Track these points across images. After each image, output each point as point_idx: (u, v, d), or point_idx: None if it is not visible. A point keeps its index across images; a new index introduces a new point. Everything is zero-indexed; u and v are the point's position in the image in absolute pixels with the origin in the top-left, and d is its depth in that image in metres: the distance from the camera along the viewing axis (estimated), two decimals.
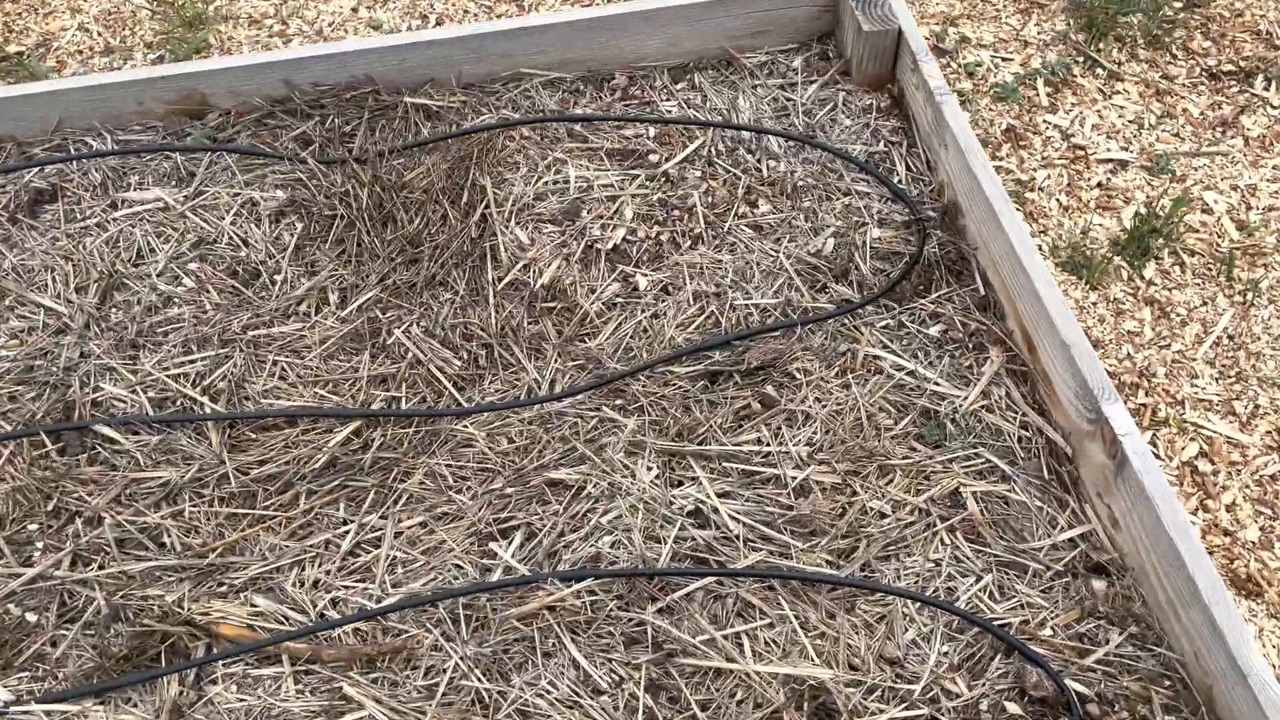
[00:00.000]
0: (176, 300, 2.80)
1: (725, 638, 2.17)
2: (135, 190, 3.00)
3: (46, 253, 2.89)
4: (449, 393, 2.70)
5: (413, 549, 2.42)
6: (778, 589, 2.25)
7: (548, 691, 2.15)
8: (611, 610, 2.22)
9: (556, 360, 2.74)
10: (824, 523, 2.33)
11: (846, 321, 2.69)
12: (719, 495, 2.38)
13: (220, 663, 2.26)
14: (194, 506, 2.48)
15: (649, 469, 2.44)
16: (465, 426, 2.62)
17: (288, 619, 2.32)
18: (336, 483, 2.54)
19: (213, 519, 2.46)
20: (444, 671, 2.19)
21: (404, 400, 2.68)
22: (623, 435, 2.50)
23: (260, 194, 2.95)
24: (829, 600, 2.25)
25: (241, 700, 2.21)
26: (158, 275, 2.85)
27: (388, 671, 2.22)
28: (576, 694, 2.14)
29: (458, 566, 2.37)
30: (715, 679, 2.14)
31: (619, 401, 2.61)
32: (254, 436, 2.60)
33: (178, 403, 2.64)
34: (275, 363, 2.72)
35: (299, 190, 2.93)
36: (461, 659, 2.19)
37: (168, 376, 2.66)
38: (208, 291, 2.81)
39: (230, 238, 2.90)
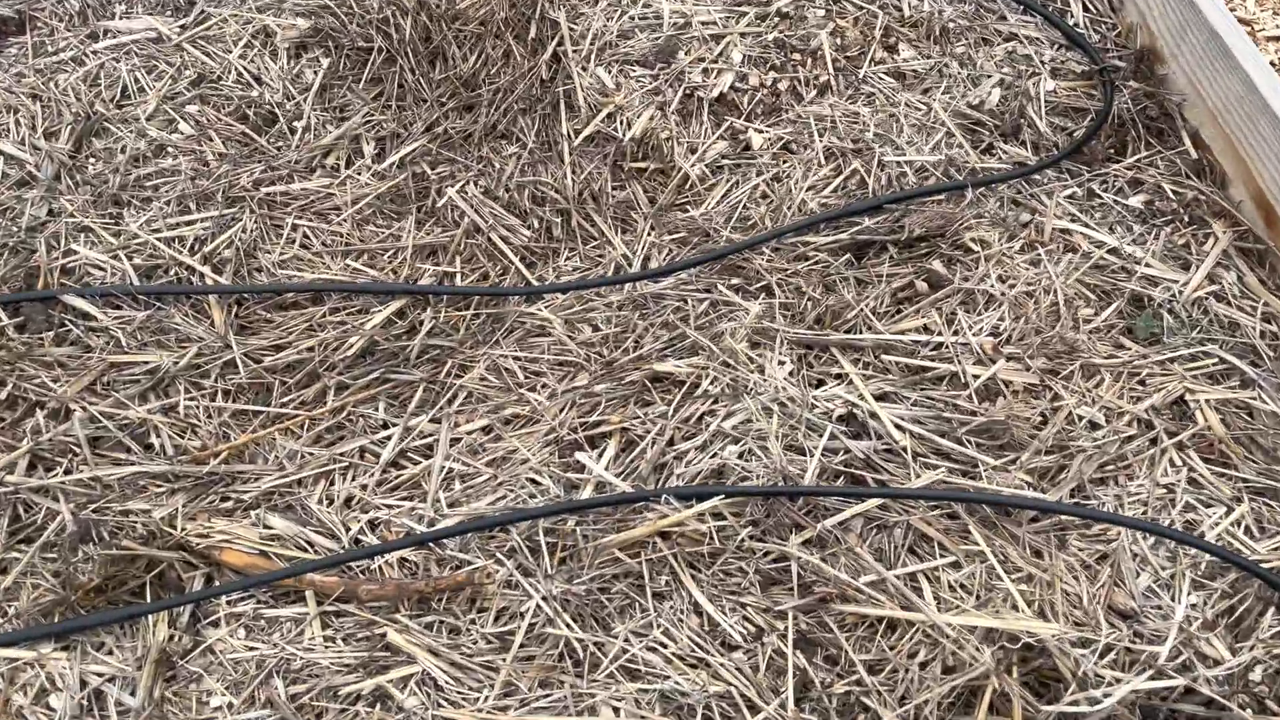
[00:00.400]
0: (171, 149, 2.25)
1: (898, 579, 1.63)
2: (121, 19, 2.43)
3: (10, 91, 2.32)
4: (516, 269, 2.14)
5: (475, 459, 1.88)
6: (963, 517, 1.70)
7: (661, 644, 1.62)
8: (744, 540, 1.68)
9: (650, 233, 2.19)
10: (1020, 433, 1.78)
11: (1023, 187, 2.13)
12: (877, 397, 1.83)
13: (224, 599, 1.74)
14: (191, 400, 1.94)
15: (781, 363, 1.88)
16: (539, 310, 2.07)
17: (312, 545, 1.80)
18: (375, 375, 2.00)
19: (215, 416, 1.93)
20: (521, 616, 1.67)
21: (459, 277, 2.12)
22: (745, 321, 1.94)
23: (276, 21, 2.38)
24: (1031, 533, 1.70)
25: (252, 648, 1.69)
26: (147, 119, 2.29)
27: (446, 614, 1.70)
28: (701, 647, 1.60)
29: (534, 482, 1.83)
30: (887, 633, 1.61)
31: (736, 280, 2.06)
32: (268, 316, 2.06)
33: (171, 272, 2.09)
34: (295, 227, 2.17)
35: (324, 18, 2.36)
36: (545, 599, 1.66)
37: (159, 240, 2.11)
38: (210, 139, 2.26)
39: (239, 74, 2.34)
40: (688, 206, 2.22)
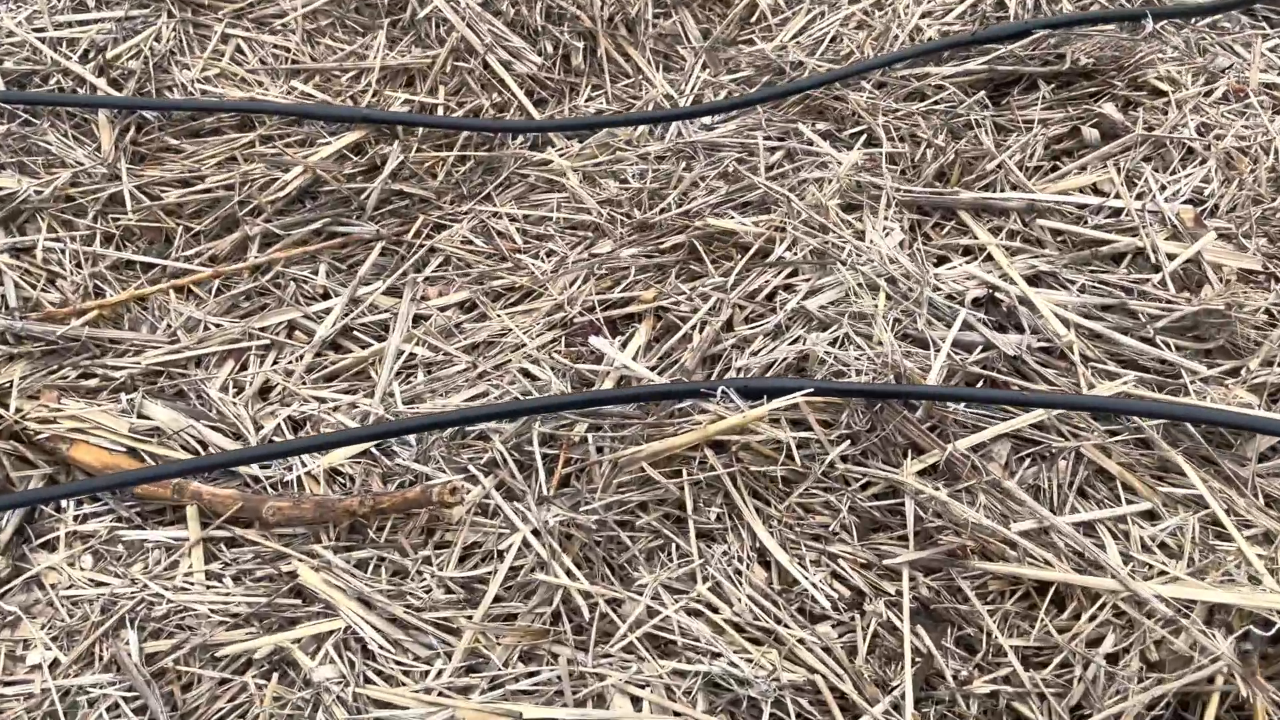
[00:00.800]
0: None
1: (1069, 530, 1.08)
2: None
3: None
4: (519, 104, 1.60)
5: (446, 343, 1.34)
6: (1160, 448, 1.15)
7: (710, 607, 1.07)
8: (835, 463, 1.13)
9: (702, 69, 1.64)
10: (1241, 333, 1.23)
11: (1209, 34, 1.58)
12: (1028, 279, 1.28)
13: (66, 507, 1.20)
14: (55, 241, 1.40)
15: (886, 231, 1.34)
16: (548, 156, 1.53)
17: (206, 444, 1.25)
18: (315, 227, 1.46)
19: (87, 265, 1.38)
20: (499, 556, 1.12)
21: (443, 109, 1.58)
22: (837, 172, 1.40)
23: None
24: (1264, 474, 1.15)
25: (99, 584, 1.15)
26: None
27: (388, 548, 1.15)
28: (768, 614, 1.06)
29: (528, 375, 1.29)
30: (1051, 608, 1.06)
31: (824, 125, 1.51)
32: (177, 144, 1.51)
33: (52, 80, 1.54)
34: (226, 37, 1.62)
35: None
36: (536, 533, 1.12)
37: (40, 41, 1.56)
38: None
39: None
40: (754, 40, 1.67)
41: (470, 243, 1.48)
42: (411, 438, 1.25)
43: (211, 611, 1.13)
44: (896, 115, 1.48)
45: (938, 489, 1.14)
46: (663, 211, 1.43)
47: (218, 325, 1.39)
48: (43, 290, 1.36)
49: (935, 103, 1.49)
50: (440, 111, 1.58)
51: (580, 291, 1.37)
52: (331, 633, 1.09)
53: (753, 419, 1.12)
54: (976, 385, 1.23)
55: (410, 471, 1.22)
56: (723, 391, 1.15)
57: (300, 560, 1.15)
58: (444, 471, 1.21)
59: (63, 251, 1.40)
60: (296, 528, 1.19)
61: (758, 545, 1.13)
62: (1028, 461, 1.19)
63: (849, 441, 1.17)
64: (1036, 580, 1.09)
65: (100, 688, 1.09)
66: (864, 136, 1.48)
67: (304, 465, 1.24)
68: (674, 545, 1.13)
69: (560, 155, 1.57)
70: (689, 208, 1.42)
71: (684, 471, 1.15)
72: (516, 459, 1.21)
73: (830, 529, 1.14)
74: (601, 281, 1.39)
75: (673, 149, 1.55)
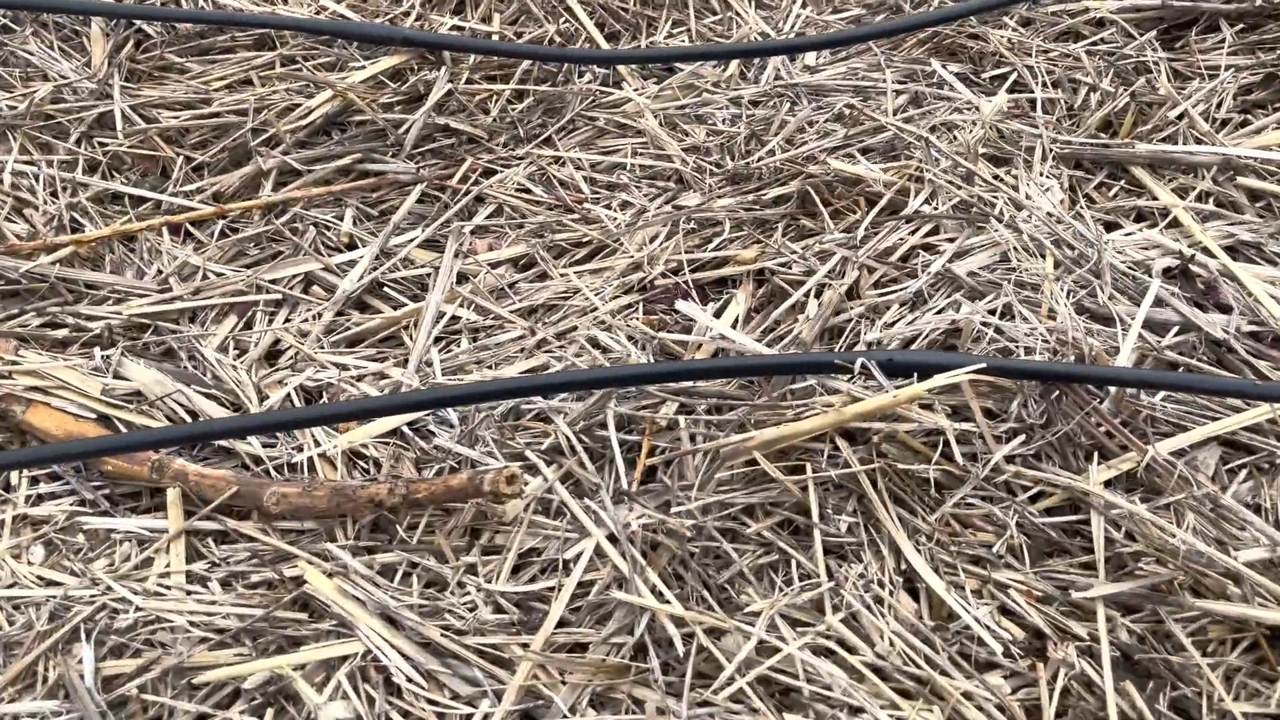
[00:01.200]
0: None
1: None
2: None
3: None
4: (588, 37, 1.37)
5: (498, 305, 1.10)
6: None
7: (843, 645, 0.82)
8: (1000, 465, 0.88)
9: (802, 6, 1.41)
10: None
11: None
12: (1226, 249, 1.04)
13: (17, 484, 0.96)
14: (28, 164, 1.16)
15: (1044, 187, 1.09)
16: (624, 93, 1.30)
17: (197, 415, 1.01)
18: (341, 163, 1.22)
19: (66, 194, 1.15)
20: (566, 567, 0.87)
21: (498, 40, 1.35)
22: (982, 117, 1.15)
23: None
24: None
25: (50, 585, 0.91)
26: None
27: (420, 551, 0.90)
28: (916, 658, 0.81)
29: (597, 346, 1.05)
30: None
31: (955, 66, 1.27)
32: (179, 61, 1.28)
33: None
34: None
35: None
36: (613, 539, 0.87)
37: None
38: None
39: None
40: None
41: (528, 191, 1.24)
42: (454, 414, 1.01)
43: (192, 625, 0.88)
44: (1049, 56, 1.24)
45: (1134, 502, 0.89)
46: (762, 159, 1.19)
47: (219, 274, 1.15)
48: (7, 219, 1.13)
49: (1094, 42, 1.24)
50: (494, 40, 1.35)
51: (663, 249, 1.13)
52: (346, 659, 0.85)
53: (904, 400, 0.88)
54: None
55: (452, 455, 0.97)
56: (863, 365, 0.90)
57: (309, 563, 0.90)
58: (495, 458, 0.96)
59: (35, 177, 1.16)
60: (305, 521, 0.94)
61: (904, 567, 0.87)
62: (1242, 474, 0.94)
63: (1020, 438, 0.91)
64: (1270, 626, 0.84)
65: (39, 718, 0.84)
66: (1009, 79, 1.24)
67: (318, 444, 1.00)
68: (793, 562, 0.88)
69: (638, 93, 1.33)
70: (799, 152, 1.17)
71: (808, 467, 0.90)
72: (587, 445, 0.96)
73: (995, 550, 0.89)
74: (689, 238, 1.15)
75: (769, 92, 1.31)
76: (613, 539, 0.89)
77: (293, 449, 1.00)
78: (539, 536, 0.92)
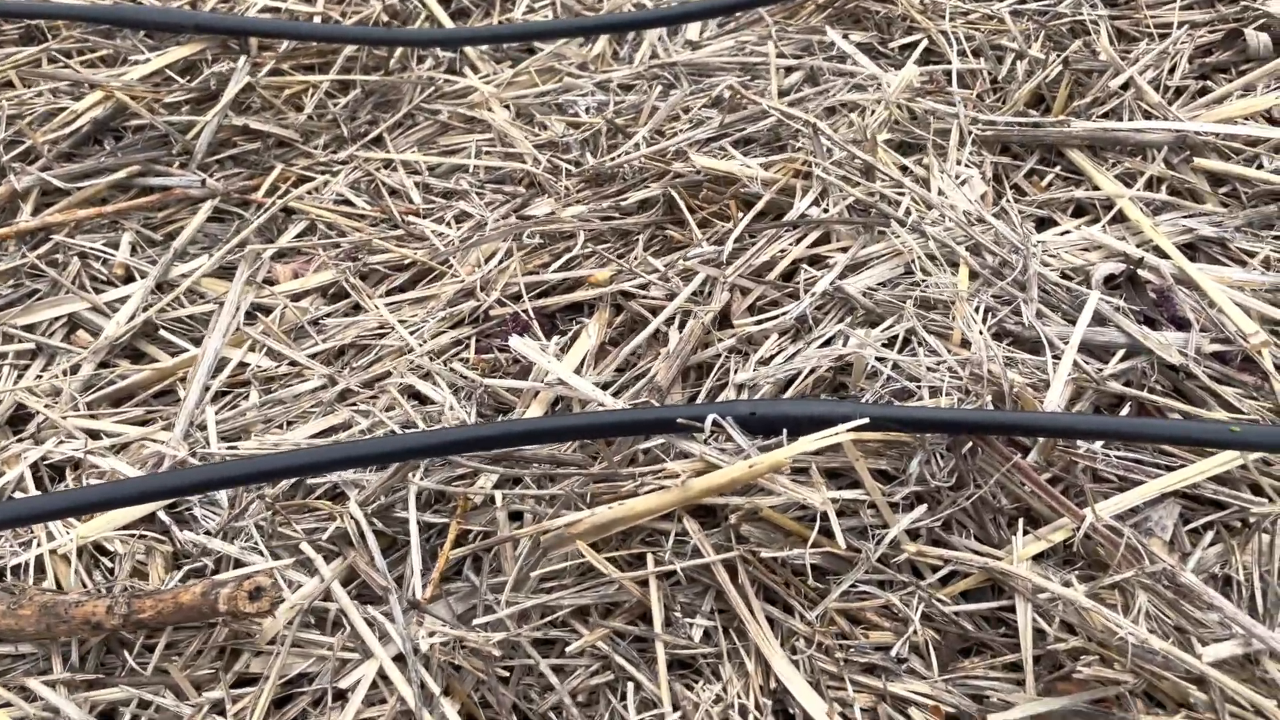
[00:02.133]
0: None
1: None
2: None
3: None
4: (429, 12, 1.18)
5: (296, 348, 0.91)
6: None
7: None
8: (899, 541, 0.69)
9: None
10: None
11: None
12: (1184, 247, 0.86)
13: None
14: None
15: (961, 179, 0.91)
16: (471, 79, 1.11)
17: None
18: (115, 177, 1.03)
19: None
20: (343, 698, 0.68)
21: (320, 21, 1.16)
22: (884, 96, 0.97)
23: None
24: None
25: None
26: None
27: (156, 684, 0.71)
28: None
29: (415, 397, 0.85)
30: None
31: (859, 35, 1.09)
32: None
33: None
34: None
35: None
36: (402, 658, 0.67)
37: None
38: None
39: None
40: None
41: (348, 203, 1.05)
42: (223, 496, 0.82)
43: None
44: (968, 19, 1.06)
45: (1070, 584, 0.71)
46: (627, 155, 1.00)
47: None
48: None
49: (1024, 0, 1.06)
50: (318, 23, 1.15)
51: (501, 270, 0.94)
52: None
53: (764, 469, 0.69)
54: (1119, 413, 0.80)
55: (209, 553, 0.78)
56: (714, 422, 0.71)
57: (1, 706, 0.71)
58: (262, 554, 0.77)
59: None
60: (17, 644, 0.75)
61: (774, 685, 0.69)
62: (1208, 537, 0.76)
63: (923, 506, 0.73)
64: None
65: None
66: (920, 48, 1.05)
67: (51, 537, 0.80)
68: (629, 684, 0.69)
69: (486, 82, 1.14)
70: (665, 145, 0.98)
71: (649, 558, 0.71)
72: (381, 532, 0.77)
73: (894, 652, 0.70)
74: (534, 256, 0.96)
75: (644, 73, 1.12)
76: (401, 659, 0.70)
77: (17, 544, 0.81)
78: (311, 658, 0.73)
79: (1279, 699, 0.68)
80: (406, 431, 0.81)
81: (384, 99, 1.14)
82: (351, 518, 0.78)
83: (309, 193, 1.05)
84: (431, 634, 0.70)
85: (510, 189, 1.04)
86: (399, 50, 1.15)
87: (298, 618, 0.73)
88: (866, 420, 0.70)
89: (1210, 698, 0.68)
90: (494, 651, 0.69)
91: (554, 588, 0.73)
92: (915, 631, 0.71)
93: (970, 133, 0.98)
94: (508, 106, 1.11)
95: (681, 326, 0.86)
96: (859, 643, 0.71)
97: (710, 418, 0.71)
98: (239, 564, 0.77)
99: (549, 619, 0.72)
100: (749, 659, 0.70)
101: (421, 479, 0.79)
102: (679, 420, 0.71)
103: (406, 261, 0.97)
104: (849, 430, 0.69)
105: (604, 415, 0.75)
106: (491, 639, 0.69)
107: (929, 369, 0.77)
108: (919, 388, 0.77)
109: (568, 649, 0.69)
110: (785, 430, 0.72)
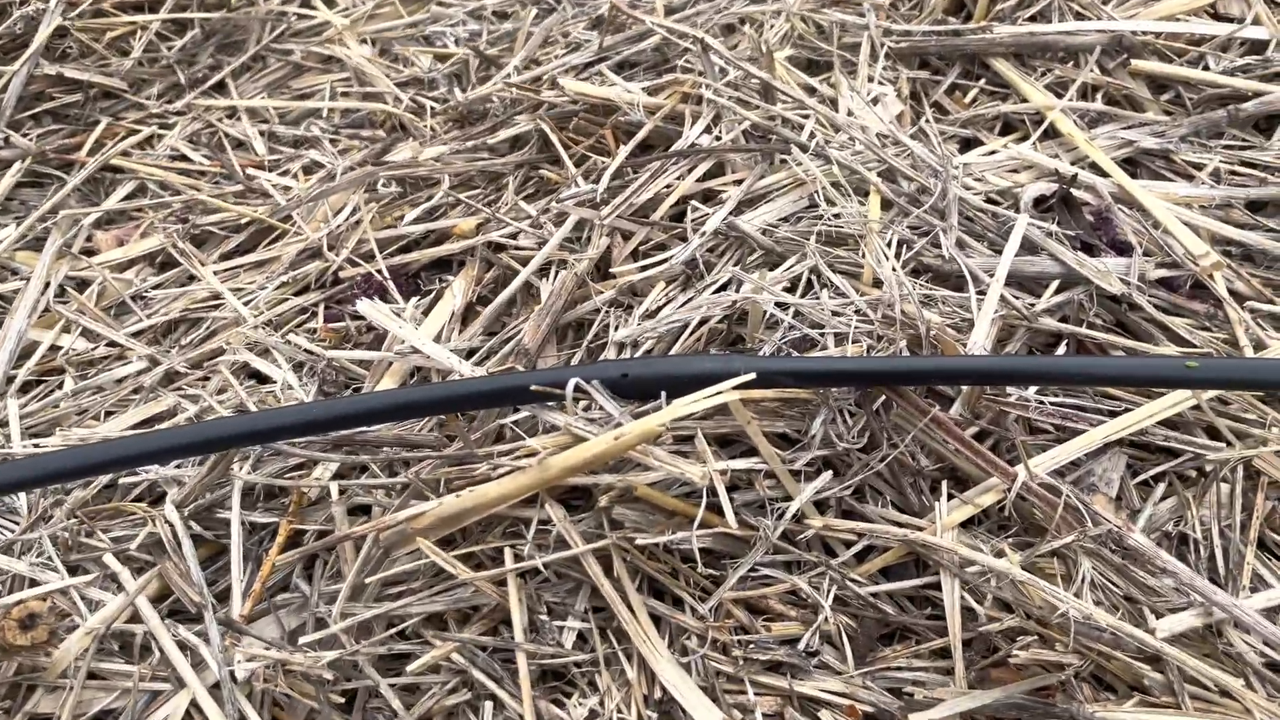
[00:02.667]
0: None
1: (1254, 617, 0.55)
2: None
3: None
4: None
5: (117, 326, 0.78)
6: None
7: None
8: (803, 515, 0.58)
9: None
10: None
11: None
12: (1124, 163, 0.75)
13: None
14: None
15: (874, 98, 0.80)
16: (324, 13, 0.99)
17: None
18: None
19: None
20: None
21: None
22: (784, 7, 0.86)
23: None
24: None
25: None
26: None
27: None
28: None
29: (254, 376, 0.73)
30: None
31: None
32: None
33: None
34: None
35: None
36: (219, 686, 0.56)
37: None
38: None
39: None
40: None
41: (185, 159, 0.92)
42: (21, 499, 0.70)
43: None
44: None
45: (1002, 554, 0.61)
46: (497, 90, 0.88)
47: None
48: None
49: None
50: None
51: (354, 226, 0.82)
52: None
53: (635, 441, 0.58)
54: (1055, 353, 0.70)
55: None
56: (577, 387, 0.61)
57: None
58: (55, 571, 0.65)
59: None
60: None
61: (660, 695, 0.59)
62: (1159, 490, 0.66)
63: (828, 473, 0.63)
64: None
65: None
66: None
67: None
68: (490, 702, 0.59)
69: (342, 15, 1.01)
70: (537, 73, 0.87)
71: (506, 553, 0.61)
72: (201, 537, 0.66)
73: (802, 645, 0.60)
74: (393, 208, 0.84)
75: None
76: (218, 688, 0.60)
77: None
78: (115, 691, 0.62)
79: (1246, 676, 0.59)
80: (225, 416, 0.70)
81: (228, 40, 1.01)
82: (166, 521, 0.66)
83: (137, 148, 0.93)
84: (251, 658, 0.59)
85: (369, 133, 0.92)
86: None
87: (94, 645, 0.62)
88: (753, 376, 0.59)
89: (1167, 678, 0.59)
90: (324, 674, 0.58)
91: (403, 593, 0.62)
92: (826, 619, 0.61)
93: (883, 45, 0.87)
94: (367, 41, 0.99)
95: (553, 277, 0.75)
96: (760, 637, 0.61)
97: (572, 382, 0.60)
98: (34, 583, 0.66)
99: (399, 628, 0.62)
100: (629, 665, 0.60)
101: (249, 472, 0.68)
102: (532, 387, 0.60)
103: (244, 221, 0.85)
104: (733, 388, 0.59)
105: (442, 388, 0.64)
106: (322, 659, 0.59)
107: (834, 313, 0.67)
108: (823, 335, 0.67)
109: (408, 668, 0.58)
110: (665, 393, 0.61)
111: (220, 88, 0.98)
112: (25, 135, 0.93)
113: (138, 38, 0.98)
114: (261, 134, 0.93)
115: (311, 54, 1.00)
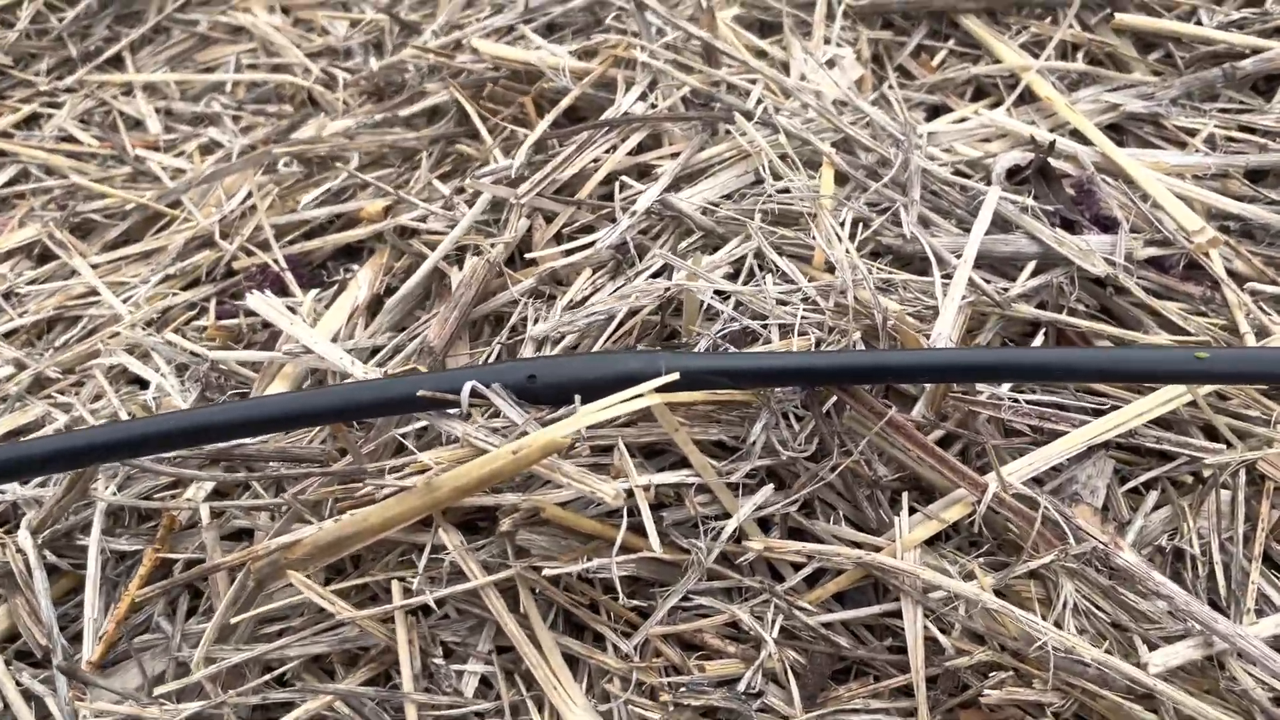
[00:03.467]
0: None
1: (1260, 647, 0.47)
2: None
3: None
4: None
5: None
6: None
7: None
8: (742, 534, 0.50)
9: None
10: None
11: None
12: (1108, 128, 0.67)
13: None
14: None
15: (831, 61, 0.72)
16: None
17: None
18: None
19: None
20: None
21: None
22: None
23: None
24: None
25: None
26: None
27: None
28: None
29: (134, 381, 0.64)
30: None
31: None
32: None
33: None
34: None
35: None
36: None
37: None
38: None
39: None
40: None
41: (72, 140, 0.83)
42: None
43: None
44: None
45: (971, 576, 0.53)
46: (413, 55, 0.80)
47: None
48: None
49: None
50: None
51: (250, 212, 0.74)
52: None
53: (539, 456, 0.50)
54: (1032, 344, 0.62)
55: None
56: (473, 392, 0.52)
57: None
58: None
59: None
60: None
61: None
62: (1151, 499, 0.58)
63: (771, 486, 0.55)
64: None
65: None
66: None
67: None
68: None
69: None
70: (454, 38, 0.78)
71: (395, 587, 0.53)
72: (56, 568, 0.58)
73: (742, 686, 0.52)
74: (297, 190, 0.75)
75: None
76: None
77: None
78: None
79: (1252, 715, 0.51)
80: (80, 428, 0.61)
81: (127, 9, 0.93)
82: (18, 550, 0.58)
83: (19, 128, 0.84)
84: (100, 715, 0.51)
85: (275, 109, 0.84)
86: None
87: None
88: (676, 375, 0.51)
89: (1161, 719, 0.51)
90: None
91: (282, 631, 0.54)
92: (771, 655, 0.53)
93: (841, 3, 0.79)
94: (277, 10, 0.91)
95: (461, 264, 0.66)
96: (694, 678, 0.53)
97: (467, 386, 0.52)
98: None
99: (274, 675, 0.53)
100: (539, 715, 0.52)
101: (114, 492, 0.59)
102: (419, 394, 0.52)
103: (130, 207, 0.76)
104: (655, 389, 0.51)
105: (319, 395, 0.56)
106: (181, 713, 0.50)
107: (779, 301, 0.59)
108: (766, 327, 0.59)
109: (305, 709, 0.50)
110: (579, 397, 0.53)
111: (116, 62, 0.90)
112: None
113: (24, 8, 0.89)
114: (158, 111, 0.85)
115: (218, 24, 0.91)
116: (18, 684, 0.54)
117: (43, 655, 0.55)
